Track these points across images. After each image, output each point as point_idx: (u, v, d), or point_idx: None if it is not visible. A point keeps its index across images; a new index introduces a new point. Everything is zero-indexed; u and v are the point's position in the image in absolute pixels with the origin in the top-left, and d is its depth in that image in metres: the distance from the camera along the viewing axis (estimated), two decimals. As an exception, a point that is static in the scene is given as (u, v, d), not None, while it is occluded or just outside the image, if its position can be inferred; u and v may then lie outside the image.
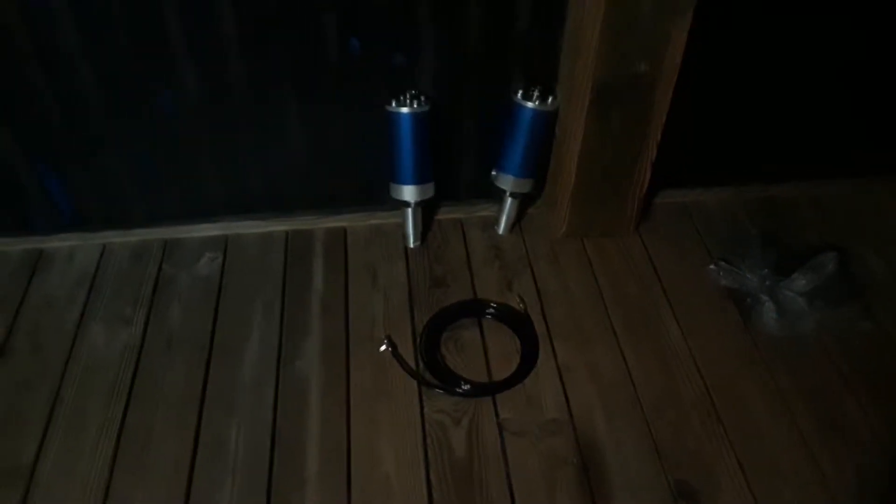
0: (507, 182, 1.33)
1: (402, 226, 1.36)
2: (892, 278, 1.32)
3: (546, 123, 1.28)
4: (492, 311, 1.25)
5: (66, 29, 1.11)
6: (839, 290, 1.24)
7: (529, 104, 1.25)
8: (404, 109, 1.23)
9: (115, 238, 1.37)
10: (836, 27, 1.28)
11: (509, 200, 1.36)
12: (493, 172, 1.34)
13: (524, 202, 1.40)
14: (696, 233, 1.41)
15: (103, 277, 1.31)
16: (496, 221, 1.40)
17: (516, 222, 1.41)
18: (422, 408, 1.12)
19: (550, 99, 1.26)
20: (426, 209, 1.38)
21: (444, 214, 1.43)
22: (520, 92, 1.26)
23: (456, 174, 1.40)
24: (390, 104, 1.24)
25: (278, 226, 1.40)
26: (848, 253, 1.34)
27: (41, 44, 1.12)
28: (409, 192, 1.30)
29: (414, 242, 1.36)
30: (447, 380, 1.15)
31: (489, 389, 1.14)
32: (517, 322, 1.23)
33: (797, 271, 1.25)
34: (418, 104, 1.24)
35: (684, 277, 1.32)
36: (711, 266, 1.30)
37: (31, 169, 1.27)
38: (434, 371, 1.16)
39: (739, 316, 1.25)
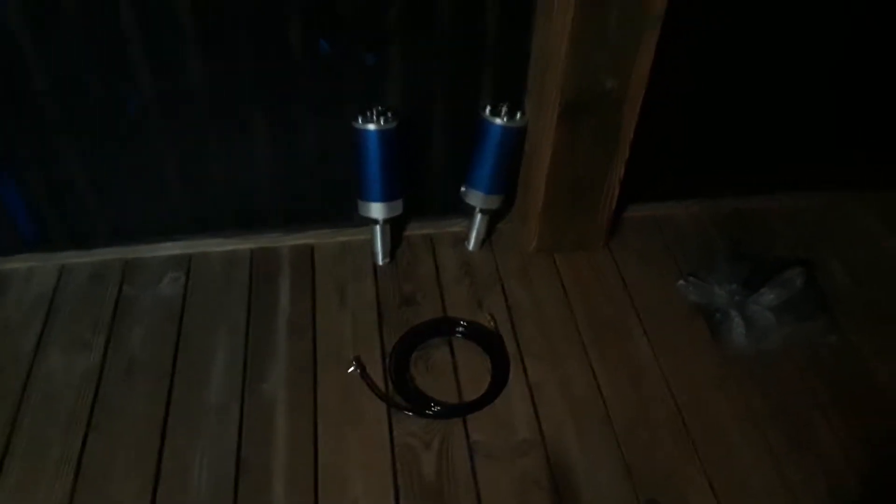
0: (476, 198, 1.31)
1: (371, 243, 1.34)
2: (859, 292, 1.33)
3: (515, 140, 1.28)
4: (462, 329, 1.23)
5: (22, 39, 1.08)
6: (807, 305, 1.24)
7: (498, 120, 1.24)
8: (371, 126, 1.21)
9: (75, 258, 1.33)
10: (805, 42, 1.30)
11: (479, 217, 1.35)
12: (463, 189, 1.32)
13: (494, 218, 1.39)
14: (666, 247, 1.41)
15: (62, 299, 1.27)
16: (466, 237, 1.38)
17: (486, 238, 1.40)
18: (391, 431, 1.10)
19: (519, 115, 1.25)
20: (395, 226, 1.36)
21: (414, 231, 1.41)
22: (488, 108, 1.25)
23: (425, 190, 1.38)
24: (357, 121, 1.22)
25: (244, 244, 1.37)
26: (817, 266, 1.35)
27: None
28: (376, 210, 1.28)
29: (383, 260, 1.34)
30: (417, 401, 1.13)
31: (459, 411, 1.12)
32: (488, 341, 1.22)
33: (765, 286, 1.25)
34: (385, 121, 1.22)
35: (654, 293, 1.31)
36: (681, 282, 1.30)
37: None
38: (403, 392, 1.14)
39: (709, 332, 1.25)
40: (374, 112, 1.22)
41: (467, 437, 1.09)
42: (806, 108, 1.39)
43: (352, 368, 1.16)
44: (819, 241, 1.43)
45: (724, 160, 1.44)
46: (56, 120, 1.18)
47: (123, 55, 1.12)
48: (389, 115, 1.23)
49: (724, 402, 1.15)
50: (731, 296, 1.26)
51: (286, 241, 1.38)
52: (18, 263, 1.32)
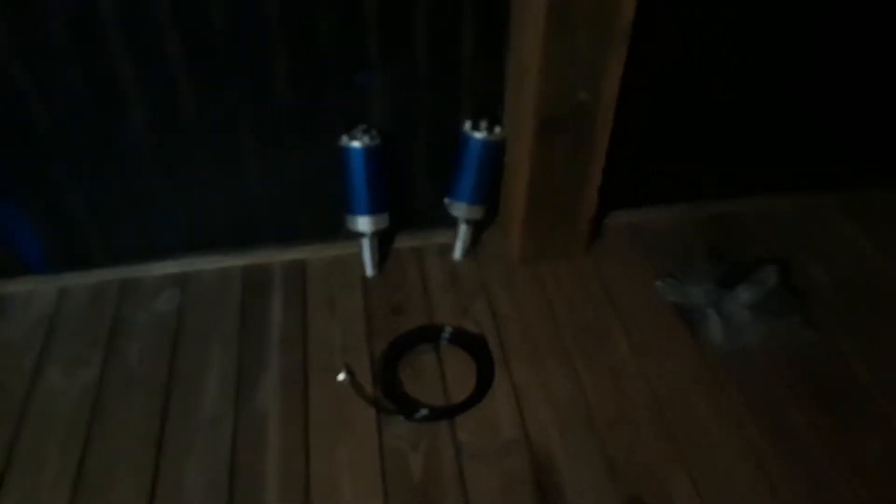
0: (460, 209, 1.36)
1: (360, 256, 1.38)
2: (834, 289, 1.37)
3: (495, 152, 1.32)
4: (448, 335, 1.27)
5: (20, 71, 1.13)
6: (782, 302, 1.28)
7: (478, 135, 1.29)
8: (356, 143, 1.26)
9: (74, 280, 1.38)
10: (778, 47, 1.35)
11: (463, 227, 1.39)
12: (447, 200, 1.37)
13: (478, 228, 1.43)
14: (646, 251, 1.45)
15: (61, 319, 1.31)
16: (451, 248, 1.43)
17: (471, 248, 1.44)
18: (380, 435, 1.13)
19: (497, 129, 1.30)
20: (383, 238, 1.40)
21: (401, 243, 1.46)
22: (468, 123, 1.30)
23: (411, 203, 1.43)
24: (342, 139, 1.27)
25: (237, 261, 1.41)
26: (792, 265, 1.39)
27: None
28: (363, 223, 1.33)
29: (372, 271, 1.39)
30: (405, 405, 1.17)
31: (447, 413, 1.16)
32: (473, 345, 1.26)
33: (741, 284, 1.29)
34: (370, 138, 1.27)
35: (634, 295, 1.35)
36: (659, 283, 1.34)
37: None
38: (392, 397, 1.18)
39: (687, 331, 1.28)
40: (360, 130, 1.27)
41: (454, 438, 1.13)
42: (779, 112, 1.44)
43: (342, 376, 1.20)
44: (794, 241, 1.47)
45: (700, 165, 1.48)
46: (55, 150, 1.23)
47: (118, 89, 1.17)
48: (374, 132, 1.28)
49: (705, 399, 1.18)
50: (709, 295, 1.30)
51: (278, 258, 1.42)
52: (19, 286, 1.36)
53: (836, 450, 1.12)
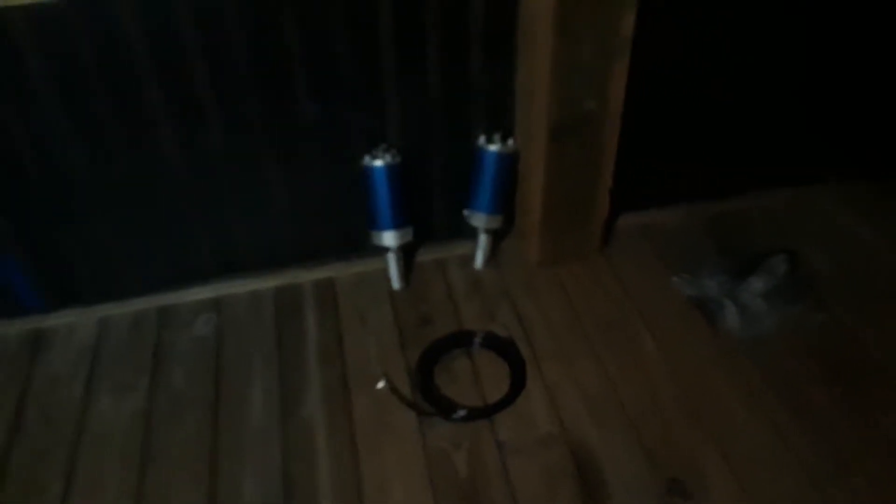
0: (479, 220, 1.42)
1: (386, 270, 1.44)
2: (838, 273, 1.44)
3: (509, 163, 1.39)
4: (479, 340, 1.33)
5: (54, 111, 1.18)
6: (793, 289, 1.35)
7: (493, 147, 1.36)
8: (378, 163, 1.33)
9: (112, 310, 1.43)
10: (771, 49, 1.43)
11: (483, 236, 1.45)
12: (466, 212, 1.43)
13: (497, 237, 1.50)
14: (658, 250, 1.52)
15: (104, 349, 1.36)
16: (473, 258, 1.49)
17: (491, 256, 1.50)
18: (423, 438, 1.18)
19: (510, 141, 1.37)
20: (407, 253, 1.46)
21: (424, 256, 1.52)
22: (482, 137, 1.37)
23: (431, 217, 1.49)
24: (365, 159, 1.33)
25: (268, 282, 1.47)
26: (798, 254, 1.46)
27: (32, 129, 1.20)
28: (388, 238, 1.39)
29: (398, 284, 1.44)
30: (444, 408, 1.22)
31: (484, 413, 1.21)
32: (503, 348, 1.31)
33: (753, 275, 1.36)
34: (391, 157, 1.33)
35: (651, 292, 1.42)
36: (674, 278, 1.41)
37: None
38: (431, 401, 1.23)
39: (705, 321, 1.35)
40: (381, 150, 1.33)
41: (494, 436, 1.18)
42: (774, 111, 1.52)
43: (381, 384, 1.25)
44: (796, 233, 1.54)
45: (702, 166, 1.55)
46: (87, 187, 1.28)
47: (145, 119, 1.23)
48: (394, 151, 1.34)
49: (727, 384, 1.24)
50: (722, 287, 1.36)
51: (307, 277, 1.48)
52: (59, 320, 1.41)
53: (857, 424, 1.17)
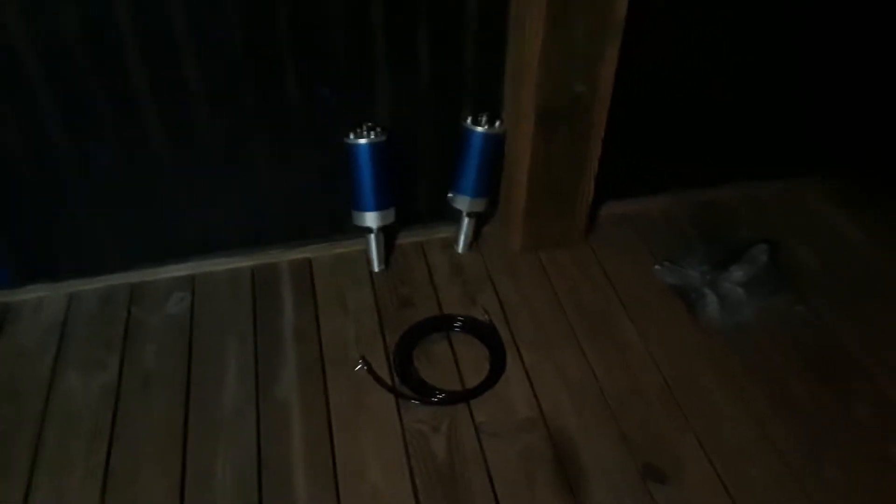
0: (463, 202, 1.41)
1: (367, 251, 1.42)
2: (820, 266, 1.45)
3: (495, 146, 1.38)
4: (459, 324, 1.31)
5: (43, 93, 1.15)
6: (774, 279, 1.35)
7: (479, 129, 1.34)
8: (362, 140, 1.30)
9: (82, 286, 1.39)
10: (758, 40, 1.42)
11: (466, 220, 1.44)
12: (450, 194, 1.42)
13: (480, 221, 1.48)
14: (641, 238, 1.52)
15: (73, 324, 1.32)
16: (455, 241, 1.47)
17: (474, 241, 1.48)
18: (401, 420, 1.17)
19: (498, 123, 1.35)
20: (388, 235, 1.44)
21: (405, 239, 1.50)
22: (469, 118, 1.35)
23: (414, 199, 1.47)
24: (348, 136, 1.31)
25: (244, 261, 1.44)
26: (781, 247, 1.46)
27: (8, 101, 1.16)
28: (370, 219, 1.37)
29: (378, 266, 1.42)
30: (422, 391, 1.20)
31: (463, 396, 1.20)
32: (483, 333, 1.30)
33: (734, 264, 1.36)
34: (375, 135, 1.31)
35: (633, 279, 1.41)
36: (657, 266, 1.41)
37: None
38: (409, 384, 1.21)
39: (686, 310, 1.35)
40: (365, 127, 1.31)
41: (472, 419, 1.17)
42: (760, 102, 1.52)
43: (359, 366, 1.23)
44: (780, 224, 1.55)
45: (690, 156, 1.55)
46: (66, 161, 1.25)
47: (129, 95, 1.20)
48: (379, 129, 1.32)
49: (707, 372, 1.24)
50: (704, 276, 1.36)
51: (285, 257, 1.45)
52: (27, 294, 1.37)
53: (833, 414, 1.18)
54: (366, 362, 1.24)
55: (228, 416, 1.17)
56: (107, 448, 1.12)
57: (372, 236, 1.39)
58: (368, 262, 1.43)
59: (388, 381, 1.22)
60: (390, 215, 1.39)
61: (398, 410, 1.18)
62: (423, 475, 1.09)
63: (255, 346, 1.28)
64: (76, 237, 1.35)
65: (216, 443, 1.13)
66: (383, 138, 1.32)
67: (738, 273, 1.35)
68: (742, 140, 1.56)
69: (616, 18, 1.17)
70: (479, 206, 1.42)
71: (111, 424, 1.16)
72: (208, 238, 1.42)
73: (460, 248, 1.47)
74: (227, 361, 1.26)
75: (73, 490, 1.07)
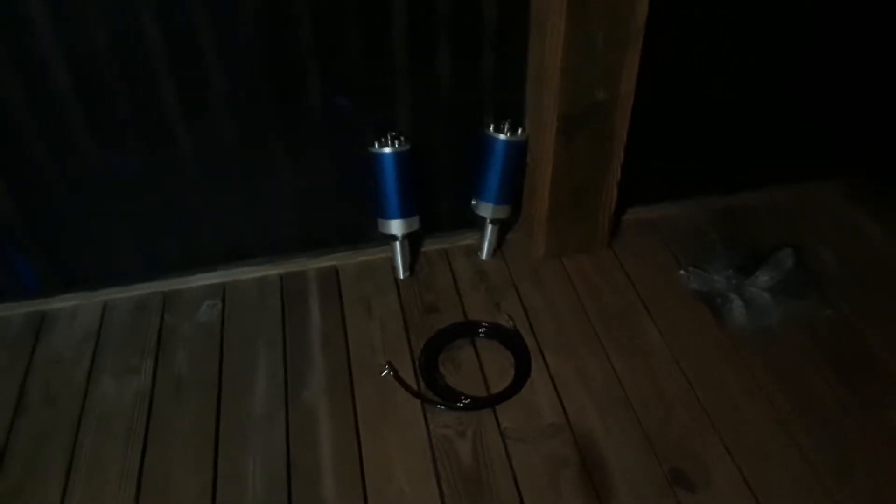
0: (486, 209, 1.42)
1: (392, 259, 1.44)
2: (844, 269, 1.44)
3: (518, 153, 1.39)
4: (483, 330, 1.32)
5: (71, 103, 1.19)
6: (799, 283, 1.35)
7: (501, 136, 1.36)
8: (386, 149, 1.33)
9: (116, 294, 1.42)
10: (775, 45, 1.42)
11: (490, 227, 1.45)
12: (473, 202, 1.43)
13: (503, 228, 1.49)
14: (665, 244, 1.52)
15: (107, 332, 1.36)
16: (479, 248, 1.49)
17: (498, 247, 1.50)
18: (427, 424, 1.18)
19: (520, 130, 1.37)
20: (412, 242, 1.46)
21: (429, 246, 1.52)
22: (491, 126, 1.36)
23: (438, 207, 1.49)
24: (373, 146, 1.33)
25: (272, 269, 1.46)
26: (804, 251, 1.45)
27: (41, 113, 1.20)
28: (395, 226, 1.39)
29: (403, 273, 1.44)
30: (448, 396, 1.22)
31: (488, 402, 1.21)
32: (508, 338, 1.31)
33: (759, 269, 1.35)
34: (399, 144, 1.33)
35: (658, 285, 1.41)
36: (681, 272, 1.41)
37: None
38: (435, 390, 1.23)
39: (712, 315, 1.34)
40: (389, 137, 1.33)
41: (498, 424, 1.18)
42: (779, 107, 1.52)
43: (385, 371, 1.25)
44: (802, 228, 1.54)
45: (712, 161, 1.55)
46: (95, 173, 1.29)
47: (159, 108, 1.23)
48: (402, 138, 1.34)
49: (732, 377, 1.24)
50: (729, 281, 1.36)
51: (311, 265, 1.48)
52: (63, 303, 1.41)
53: (860, 419, 1.17)
54: (392, 368, 1.26)
55: (258, 420, 1.20)
56: (141, 451, 1.15)
57: (397, 244, 1.41)
58: (393, 269, 1.45)
59: (414, 387, 1.24)
60: (415, 223, 1.41)
61: (424, 415, 1.19)
62: (449, 480, 1.10)
63: (283, 352, 1.31)
64: (106, 246, 1.39)
65: (246, 446, 1.16)
66: (407, 147, 1.34)
67: (763, 278, 1.35)
68: (762, 144, 1.56)
69: (636, 24, 1.19)
70: (503, 212, 1.43)
71: (145, 428, 1.19)
72: (237, 246, 1.45)
73: (484, 254, 1.48)
74: (257, 367, 1.28)
75: (108, 492, 1.10)
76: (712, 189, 1.60)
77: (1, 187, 1.26)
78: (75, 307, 1.41)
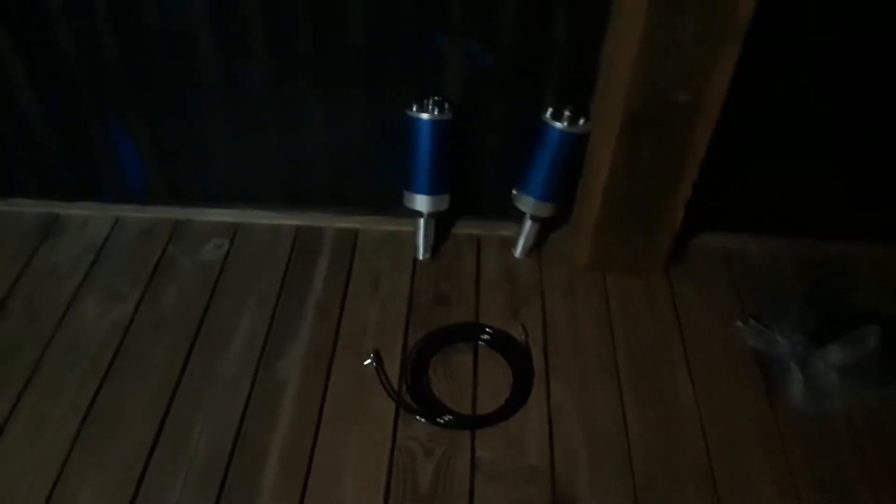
0: (527, 204, 1.25)
1: (415, 236, 1.29)
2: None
3: (574, 146, 1.20)
4: (488, 337, 1.17)
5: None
6: (879, 370, 1.10)
7: (558, 125, 1.17)
8: (425, 115, 1.17)
9: (129, 212, 1.37)
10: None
11: (529, 223, 1.28)
12: (514, 192, 1.26)
13: (546, 226, 1.31)
14: (732, 283, 1.29)
15: (108, 251, 1.31)
16: (514, 243, 1.32)
17: (535, 247, 1.32)
18: (395, 431, 1.05)
19: (582, 121, 1.17)
20: (442, 221, 1.31)
21: (462, 229, 1.36)
22: (549, 111, 1.17)
23: (478, 189, 1.33)
24: (411, 108, 1.18)
25: (289, 220, 1.36)
26: (899, 328, 1.19)
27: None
28: (421, 202, 1.24)
29: (424, 254, 1.30)
30: (428, 406, 1.08)
31: (470, 423, 1.06)
32: (514, 354, 1.15)
33: (835, 342, 1.11)
34: (440, 111, 1.17)
35: (709, 331, 1.20)
36: (739, 322, 1.19)
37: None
38: (416, 394, 1.09)
39: (762, 383, 1.12)
40: (431, 101, 1.17)
41: (472, 452, 1.03)
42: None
43: (368, 361, 1.12)
44: (908, 301, 1.27)
45: (813, 194, 1.29)
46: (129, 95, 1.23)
47: (190, 32, 1.14)
48: (446, 106, 1.18)
49: (763, 463, 1.03)
50: (795, 347, 1.13)
51: (332, 223, 1.36)
52: (78, 210, 1.37)
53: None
54: (377, 358, 1.13)
55: (223, 381, 1.11)
56: (97, 386, 1.10)
57: (421, 221, 1.27)
58: (414, 247, 1.30)
59: (394, 387, 1.11)
60: (444, 201, 1.25)
61: (395, 420, 1.07)
62: (398, 499, 0.97)
63: (272, 312, 1.21)
64: (128, 163, 1.33)
65: (202, 406, 1.08)
66: (449, 116, 1.18)
67: (837, 354, 1.11)
68: (881, 185, 1.27)
69: (738, 18, 0.96)
70: (545, 210, 1.25)
71: (109, 363, 1.13)
72: (257, 188, 1.36)
73: (518, 252, 1.31)
74: (240, 323, 1.19)
75: (52, 421, 1.05)
76: (806, 229, 1.33)
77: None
78: (87, 217, 1.37)
